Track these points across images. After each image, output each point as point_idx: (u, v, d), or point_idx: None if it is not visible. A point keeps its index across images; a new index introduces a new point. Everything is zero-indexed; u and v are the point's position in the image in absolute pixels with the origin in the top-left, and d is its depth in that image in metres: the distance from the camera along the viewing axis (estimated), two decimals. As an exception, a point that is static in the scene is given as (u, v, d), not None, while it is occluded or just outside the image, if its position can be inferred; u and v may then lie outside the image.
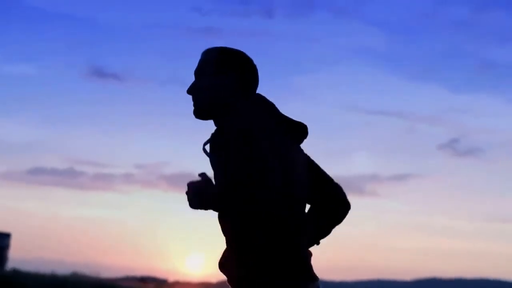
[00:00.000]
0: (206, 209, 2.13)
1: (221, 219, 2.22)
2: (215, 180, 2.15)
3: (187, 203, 2.14)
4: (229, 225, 2.17)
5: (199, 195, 2.11)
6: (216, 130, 2.24)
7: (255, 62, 2.35)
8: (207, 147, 2.24)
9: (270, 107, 2.28)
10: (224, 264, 2.24)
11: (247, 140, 2.09)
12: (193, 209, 2.15)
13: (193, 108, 2.32)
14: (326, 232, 2.38)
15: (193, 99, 2.32)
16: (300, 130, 2.31)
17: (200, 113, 2.31)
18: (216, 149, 2.16)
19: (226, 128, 2.16)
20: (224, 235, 2.23)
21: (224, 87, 2.27)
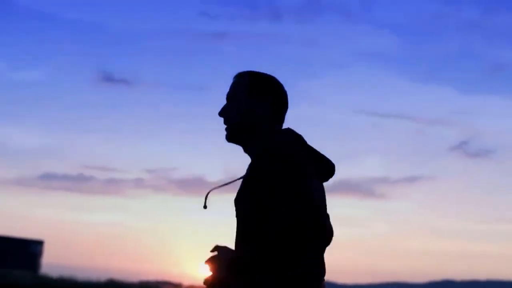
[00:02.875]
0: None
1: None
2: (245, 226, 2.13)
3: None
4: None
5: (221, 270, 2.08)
6: (253, 163, 2.23)
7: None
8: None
9: (300, 138, 2.28)
10: None
11: (296, 176, 2.10)
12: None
13: (225, 132, 2.34)
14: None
15: (225, 122, 2.34)
16: (328, 167, 2.30)
17: (233, 137, 2.33)
18: (256, 184, 2.12)
19: (268, 155, 2.15)
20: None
21: (257, 112, 2.28)
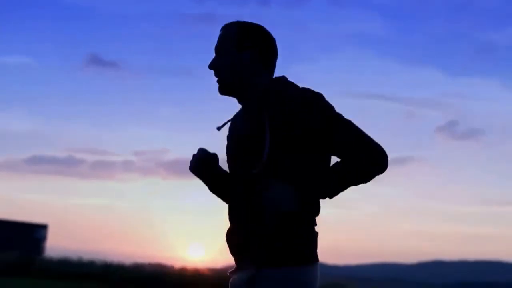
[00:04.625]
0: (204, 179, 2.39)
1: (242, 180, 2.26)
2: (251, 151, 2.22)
3: (193, 176, 2.27)
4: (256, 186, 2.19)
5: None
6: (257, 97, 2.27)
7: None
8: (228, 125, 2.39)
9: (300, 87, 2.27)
10: (233, 233, 2.29)
11: (324, 107, 2.19)
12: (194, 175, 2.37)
13: (217, 84, 2.34)
14: (345, 187, 2.23)
15: (216, 75, 2.34)
16: None
17: (226, 89, 2.33)
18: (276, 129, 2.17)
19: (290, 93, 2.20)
20: (241, 197, 2.26)
21: (247, 63, 2.29)
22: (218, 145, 2.40)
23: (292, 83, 2.26)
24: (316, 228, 2.24)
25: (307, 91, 2.20)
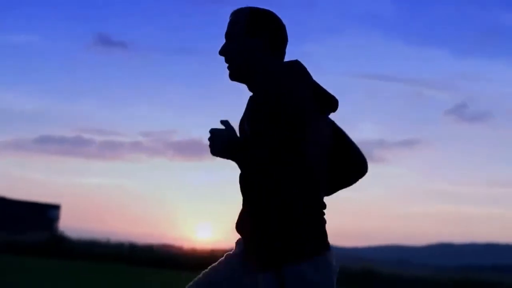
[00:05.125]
0: (227, 157, 2.20)
1: (243, 177, 2.26)
2: (248, 134, 2.22)
3: (209, 150, 2.19)
4: (254, 182, 2.20)
5: (223, 142, 2.17)
6: (255, 93, 2.30)
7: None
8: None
9: (306, 74, 2.23)
10: (241, 225, 2.30)
11: (290, 106, 2.13)
12: (214, 155, 2.21)
13: (227, 70, 2.34)
14: (331, 191, 2.38)
15: (227, 61, 2.34)
16: (331, 103, 2.31)
17: (236, 75, 2.33)
18: (257, 109, 2.20)
19: (268, 91, 2.18)
20: (244, 194, 2.28)
21: (257, 48, 2.29)
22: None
23: (298, 72, 2.21)
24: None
25: (299, 84, 2.18)
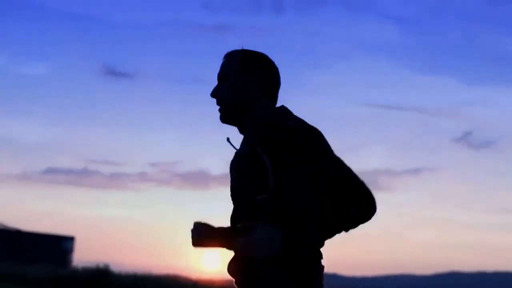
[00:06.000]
0: (215, 245, 2.24)
1: (235, 218, 2.25)
2: (260, 190, 2.13)
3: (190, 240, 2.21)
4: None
5: (207, 230, 2.21)
6: (257, 142, 2.20)
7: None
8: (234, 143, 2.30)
9: (302, 120, 2.22)
10: (232, 266, 2.24)
11: (315, 145, 2.12)
12: (195, 247, 2.23)
13: (219, 113, 2.30)
14: (340, 230, 2.22)
15: (218, 103, 2.29)
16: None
17: (227, 117, 2.29)
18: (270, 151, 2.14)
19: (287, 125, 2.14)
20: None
21: (249, 89, 2.25)
22: (231, 157, 2.35)
23: (291, 116, 2.23)
24: (322, 261, 2.19)
25: (302, 126, 2.16)
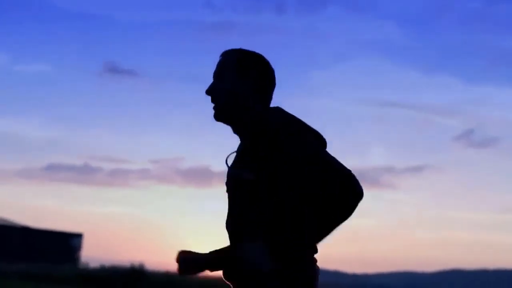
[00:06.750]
0: (202, 268, 2.25)
1: (232, 223, 2.24)
2: (253, 207, 2.15)
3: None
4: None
5: (194, 259, 2.22)
6: (250, 141, 2.21)
7: (268, 59, 2.34)
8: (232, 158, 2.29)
9: (291, 116, 2.22)
10: (228, 272, 2.23)
11: (310, 151, 2.12)
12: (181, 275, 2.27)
13: (213, 110, 2.30)
14: (331, 228, 2.15)
15: (213, 101, 2.30)
16: (325, 141, 2.24)
17: (221, 115, 2.29)
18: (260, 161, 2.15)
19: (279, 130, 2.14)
20: (231, 240, 2.24)
21: (244, 90, 2.25)
22: (232, 156, 2.34)
23: (282, 114, 2.22)
24: (318, 264, 2.20)
25: (293, 124, 2.16)
